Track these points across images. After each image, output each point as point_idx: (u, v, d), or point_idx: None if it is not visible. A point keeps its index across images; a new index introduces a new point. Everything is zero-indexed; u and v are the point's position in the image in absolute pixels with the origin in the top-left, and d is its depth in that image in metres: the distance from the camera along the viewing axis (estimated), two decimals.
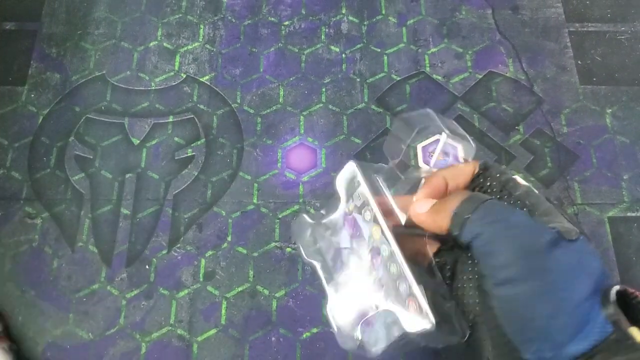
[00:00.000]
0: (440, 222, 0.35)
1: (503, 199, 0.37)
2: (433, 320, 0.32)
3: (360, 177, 0.41)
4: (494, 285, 0.32)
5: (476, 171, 0.39)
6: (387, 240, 0.37)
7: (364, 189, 0.40)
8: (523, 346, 0.31)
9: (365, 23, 1.26)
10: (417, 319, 0.33)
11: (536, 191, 0.37)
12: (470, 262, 0.37)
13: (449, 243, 0.39)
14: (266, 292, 0.99)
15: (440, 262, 0.40)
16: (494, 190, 0.37)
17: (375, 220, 0.38)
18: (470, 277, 0.37)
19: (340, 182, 0.41)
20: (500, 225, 0.32)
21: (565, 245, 0.31)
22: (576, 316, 0.29)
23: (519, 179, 0.38)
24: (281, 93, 1.18)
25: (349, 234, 0.40)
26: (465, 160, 0.41)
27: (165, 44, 1.23)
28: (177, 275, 1.02)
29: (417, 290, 0.33)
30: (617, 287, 0.29)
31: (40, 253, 1.05)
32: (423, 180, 0.40)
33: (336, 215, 0.41)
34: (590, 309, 0.29)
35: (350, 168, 0.41)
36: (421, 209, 0.38)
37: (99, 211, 1.07)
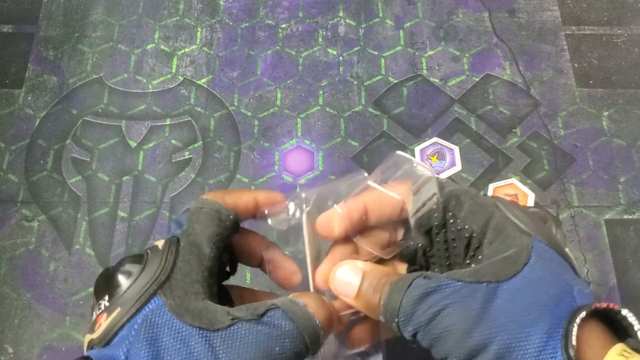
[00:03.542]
0: (373, 314, 0.31)
1: (449, 231, 0.32)
2: None
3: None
4: None
5: (409, 208, 0.32)
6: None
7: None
8: None
9: (362, 26, 1.26)
10: None
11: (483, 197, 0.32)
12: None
13: (417, 263, 0.34)
14: None
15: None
16: (436, 215, 0.32)
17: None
18: None
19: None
20: (432, 311, 0.28)
21: (505, 289, 0.28)
22: None
23: (461, 192, 0.32)
24: (278, 96, 1.18)
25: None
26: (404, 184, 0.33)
27: (162, 47, 1.23)
28: None
29: None
30: (582, 315, 0.26)
31: (36, 256, 1.05)
32: (336, 205, 0.32)
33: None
34: (552, 356, 0.26)
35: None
36: (342, 285, 0.32)
37: (95, 214, 1.07)
